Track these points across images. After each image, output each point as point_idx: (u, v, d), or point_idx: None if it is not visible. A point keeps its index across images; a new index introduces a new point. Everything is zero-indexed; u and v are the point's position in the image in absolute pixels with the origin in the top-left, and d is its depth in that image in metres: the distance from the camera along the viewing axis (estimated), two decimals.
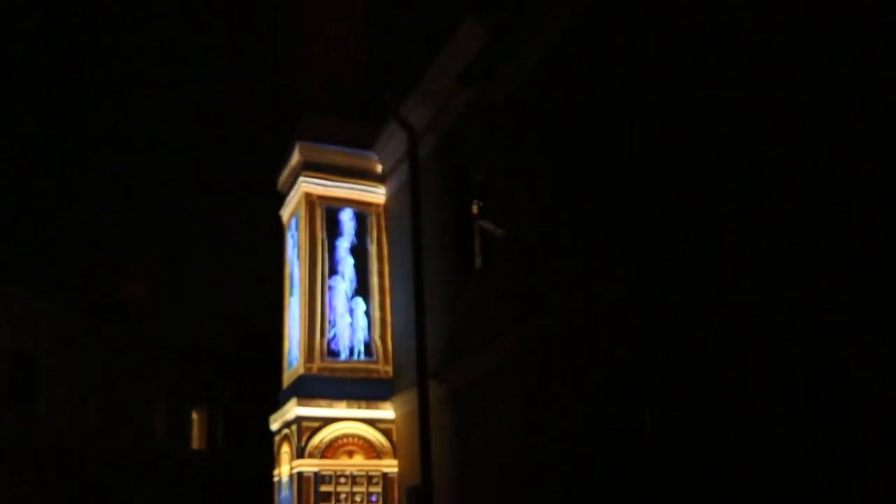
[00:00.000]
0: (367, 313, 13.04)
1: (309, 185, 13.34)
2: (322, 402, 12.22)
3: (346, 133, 13.79)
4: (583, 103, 8.99)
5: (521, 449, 9.31)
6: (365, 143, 13.71)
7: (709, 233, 6.92)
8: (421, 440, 10.67)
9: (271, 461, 13.79)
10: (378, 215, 13.64)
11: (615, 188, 8.20)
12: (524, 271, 9.47)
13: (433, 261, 11.77)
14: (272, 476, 13.40)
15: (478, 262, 10.94)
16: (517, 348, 9.40)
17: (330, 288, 12.91)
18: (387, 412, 12.55)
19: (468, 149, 11.29)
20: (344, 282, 13.05)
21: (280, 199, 14.85)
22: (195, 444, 25.43)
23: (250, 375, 25.94)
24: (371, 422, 12.42)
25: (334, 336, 12.71)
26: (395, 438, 12.44)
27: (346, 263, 13.18)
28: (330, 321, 12.74)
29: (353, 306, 12.98)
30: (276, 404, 13.64)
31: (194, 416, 25.51)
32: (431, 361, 11.21)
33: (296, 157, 13.66)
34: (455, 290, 11.36)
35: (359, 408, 12.39)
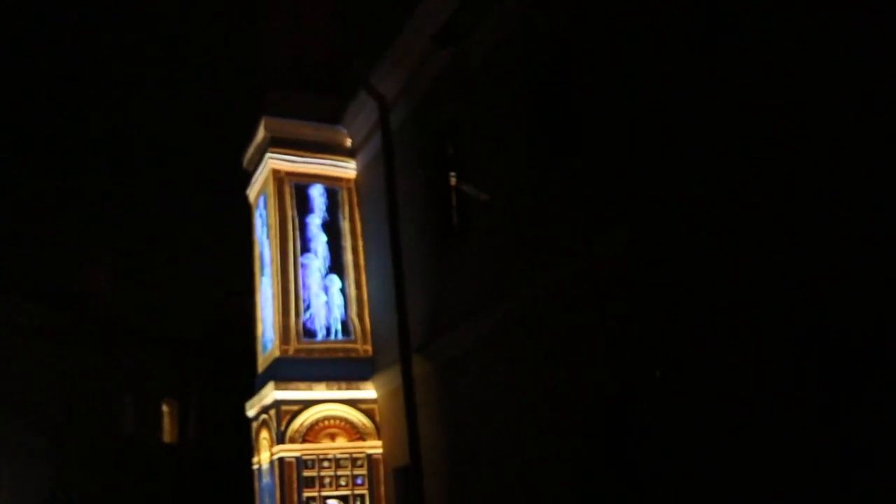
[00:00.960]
0: (343, 291, 12.54)
1: (276, 161, 12.77)
2: (301, 384, 11.74)
3: (314, 107, 13.26)
4: (567, 60, 8.55)
5: (515, 422, 8.92)
6: (333, 117, 13.19)
7: (714, 181, 6.53)
8: (407, 418, 10.19)
9: (248, 451, 13.29)
10: (349, 191, 13.13)
11: (606, 144, 7.78)
12: (512, 237, 9.03)
13: (411, 233, 11.29)
14: (251, 464, 12.90)
15: (459, 231, 10.47)
16: (508, 317, 8.95)
17: (303, 266, 12.38)
18: (368, 392, 12.09)
19: (445, 115, 10.79)
20: (317, 259, 12.52)
21: (246, 178, 14.30)
22: (166, 438, 24.69)
23: (222, 364, 25.30)
24: (352, 403, 11.96)
25: (310, 316, 12.19)
26: (378, 419, 12.00)
27: (319, 240, 12.66)
28: (304, 300, 12.21)
29: (328, 284, 12.47)
30: (251, 391, 13.13)
31: (164, 408, 24.75)
32: (414, 337, 10.72)
33: (261, 133, 13.10)
34: (436, 262, 10.90)
35: (339, 389, 11.93)
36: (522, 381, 8.79)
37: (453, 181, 9.21)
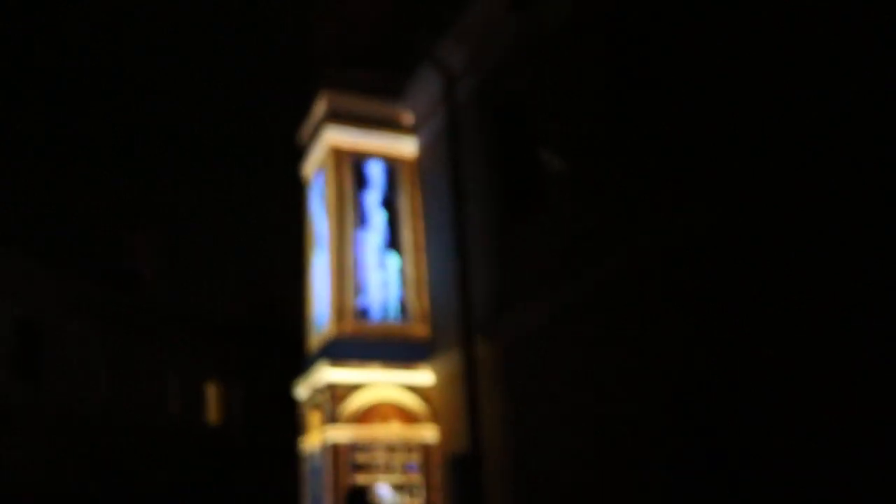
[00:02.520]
0: (401, 270, 12.03)
1: (335, 135, 12.30)
2: (355, 364, 11.23)
3: (373, 83, 12.79)
4: (649, 20, 7.93)
5: (586, 410, 8.30)
6: (393, 93, 12.72)
7: (830, 149, 5.85)
8: (468, 402, 9.72)
9: (292, 434, 12.87)
10: (409, 168, 12.63)
11: (693, 110, 7.14)
12: (589, 209, 8.40)
13: (475, 211, 10.78)
14: (295, 448, 12.47)
15: (528, 206, 9.88)
16: (582, 294, 8.34)
17: (360, 241, 11.91)
18: (425, 376, 11.54)
19: (516, 85, 10.18)
20: (375, 235, 12.04)
21: (298, 156, 13.94)
22: (211, 418, 24.47)
23: (266, 346, 25.03)
24: (408, 386, 11.43)
25: (366, 294, 11.71)
26: (434, 404, 11.46)
27: (377, 217, 12.17)
28: (361, 277, 11.74)
29: (386, 261, 11.99)
30: (296, 374, 12.72)
31: (209, 388, 24.54)
32: (477, 318, 10.26)
33: (320, 107, 12.67)
34: (501, 239, 10.32)
35: (395, 371, 11.41)
36: (596, 365, 8.15)
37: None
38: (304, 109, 13.38)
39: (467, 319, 10.13)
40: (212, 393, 24.57)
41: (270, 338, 24.68)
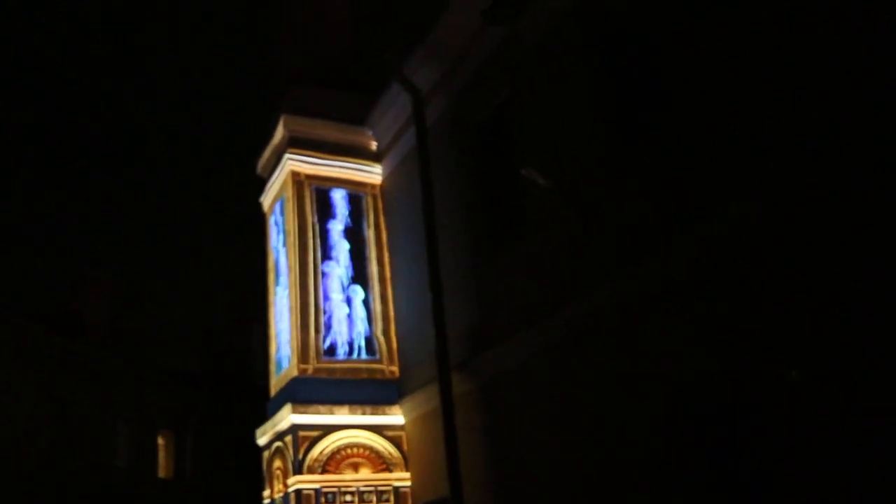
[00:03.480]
0: (367, 303, 11.25)
1: (296, 162, 11.55)
2: (321, 407, 10.32)
3: (337, 106, 12.09)
4: (639, 26, 7.38)
5: (580, 448, 7.51)
6: (357, 118, 12.06)
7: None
8: (446, 443, 8.84)
9: (252, 485, 11.92)
10: (374, 197, 11.92)
11: (693, 117, 6.53)
12: (578, 231, 7.74)
13: (447, 240, 10.06)
14: (258, 501, 11.46)
15: (509, 232, 9.20)
16: (570, 326, 7.64)
17: (324, 274, 11.09)
18: (395, 418, 10.70)
19: (491, 103, 9.56)
20: (339, 268, 11.26)
21: (259, 187, 13.15)
22: (161, 473, 23.03)
23: (224, 392, 23.84)
24: (378, 429, 10.54)
25: (331, 330, 10.88)
26: (406, 448, 10.59)
27: (341, 248, 11.36)
28: (325, 312, 10.92)
29: (351, 295, 11.20)
30: (255, 423, 11.79)
31: (160, 440, 23.14)
32: (452, 355, 9.48)
33: (279, 133, 11.92)
34: (479, 269, 9.61)
35: (363, 414, 10.52)
36: (596, 397, 7.38)
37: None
38: (266, 137, 12.65)
39: (443, 355, 9.34)
40: (164, 444, 23.20)
41: (228, 384, 23.51)
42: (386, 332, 11.24)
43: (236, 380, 23.91)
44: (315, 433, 10.22)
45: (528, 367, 8.37)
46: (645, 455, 6.73)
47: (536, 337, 8.14)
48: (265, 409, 11.41)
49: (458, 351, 9.53)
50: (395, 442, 10.59)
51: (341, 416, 10.39)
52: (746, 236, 5.90)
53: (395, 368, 11.09)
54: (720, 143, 6.29)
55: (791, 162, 5.70)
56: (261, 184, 13.01)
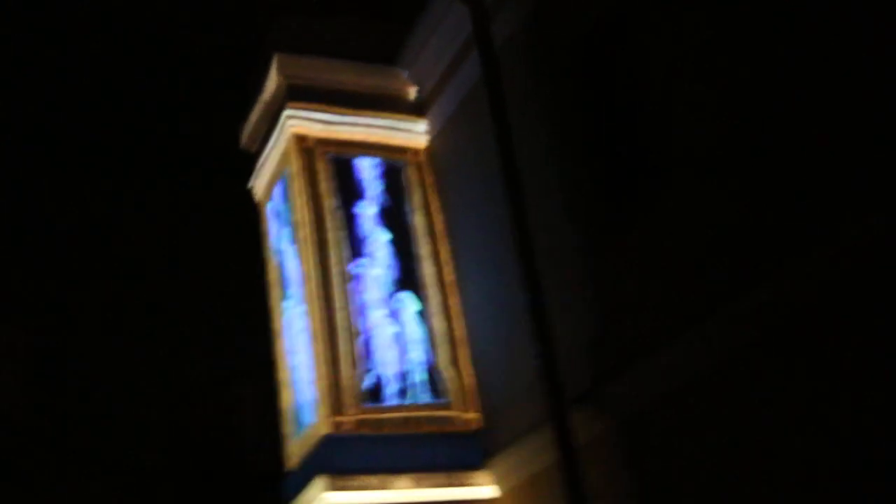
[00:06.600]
0: (423, 319, 10.65)
1: (300, 122, 11.19)
2: (370, 479, 9.52)
3: (351, 38, 11.79)
4: None
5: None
6: (383, 53, 11.75)
7: None
8: None
9: None
10: (419, 166, 11.57)
11: None
12: (752, 184, 7.22)
13: (539, 215, 9.49)
14: None
15: (641, 197, 8.79)
16: (749, 327, 7.18)
17: (355, 278, 10.50)
18: (483, 489, 9.95)
19: (595, 9, 9.11)
20: (376, 268, 10.73)
21: (247, 165, 12.69)
22: None
23: (195, 491, 23.30)
24: None
25: (372, 361, 10.20)
26: None
27: (377, 241, 10.93)
28: (361, 333, 10.26)
29: (398, 307, 10.59)
30: None
31: None
32: (568, 383, 8.80)
33: (272, 82, 11.46)
34: (593, 252, 9.17)
35: (434, 485, 9.79)
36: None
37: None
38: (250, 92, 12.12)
39: (555, 384, 8.60)
40: None
41: (205, 476, 23.01)
42: (455, 362, 10.54)
43: (218, 466, 23.43)
44: None
45: (688, 391, 7.83)
46: None
47: (710, 339, 7.60)
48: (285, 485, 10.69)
49: (575, 376, 8.83)
50: None
51: (402, 490, 9.68)
52: None
53: (473, 415, 10.42)
54: None
55: None
56: (247, 164, 12.56)
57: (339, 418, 9.93)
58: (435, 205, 11.37)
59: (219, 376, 25.26)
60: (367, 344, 10.34)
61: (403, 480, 9.77)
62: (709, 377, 7.68)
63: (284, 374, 11.26)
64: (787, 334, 6.94)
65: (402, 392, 10.34)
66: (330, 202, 10.89)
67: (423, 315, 10.73)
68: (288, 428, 11.09)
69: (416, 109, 11.74)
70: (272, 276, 11.75)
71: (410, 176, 11.45)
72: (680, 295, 7.97)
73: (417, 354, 10.53)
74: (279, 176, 11.55)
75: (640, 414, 8.46)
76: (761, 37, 7.40)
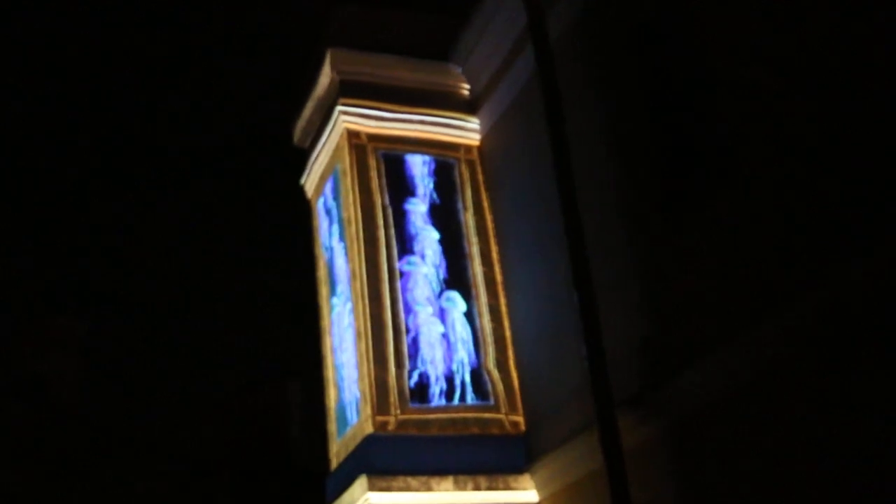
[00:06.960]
0: (471, 319, 10.54)
1: (352, 118, 11.17)
2: (412, 480, 9.46)
3: (405, 33, 11.73)
4: None
5: None
6: (436, 49, 11.67)
7: None
8: None
9: None
10: (471, 164, 11.49)
11: None
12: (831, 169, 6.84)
13: (593, 213, 9.32)
14: None
15: (701, 189, 8.54)
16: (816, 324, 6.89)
17: (403, 275, 10.48)
18: (525, 493, 9.84)
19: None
20: (425, 266, 10.65)
21: (299, 162, 12.72)
22: None
23: (249, 485, 23.44)
24: None
25: (419, 361, 10.13)
26: None
27: (427, 239, 10.85)
28: (409, 330, 10.21)
29: (446, 306, 10.51)
30: None
31: None
32: (617, 384, 8.60)
33: (325, 77, 11.43)
34: (649, 250, 8.99)
35: (476, 488, 9.70)
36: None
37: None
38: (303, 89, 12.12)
39: (603, 386, 8.42)
40: None
41: (259, 468, 23.16)
42: (502, 363, 10.39)
43: (269, 462, 23.55)
44: None
45: (745, 394, 7.60)
46: None
47: (764, 343, 7.38)
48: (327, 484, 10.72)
49: (624, 380, 8.63)
50: None
51: (444, 492, 9.58)
52: None
53: (518, 418, 10.29)
54: None
55: None
56: (299, 163, 12.61)
57: (383, 418, 9.89)
58: (486, 203, 11.32)
59: (270, 372, 25.53)
60: (413, 343, 10.28)
61: (446, 481, 9.74)
62: (762, 383, 7.50)
63: (330, 372, 11.24)
64: (843, 339, 6.73)
65: (448, 393, 10.23)
66: (380, 199, 10.90)
67: (470, 315, 10.62)
68: (332, 426, 11.10)
69: (468, 106, 11.71)
70: (321, 273, 11.77)
71: (462, 173, 11.41)
72: (734, 298, 7.82)
73: (464, 354, 10.42)
74: (330, 172, 11.57)
75: (689, 420, 8.29)
76: (834, 29, 7.15)
